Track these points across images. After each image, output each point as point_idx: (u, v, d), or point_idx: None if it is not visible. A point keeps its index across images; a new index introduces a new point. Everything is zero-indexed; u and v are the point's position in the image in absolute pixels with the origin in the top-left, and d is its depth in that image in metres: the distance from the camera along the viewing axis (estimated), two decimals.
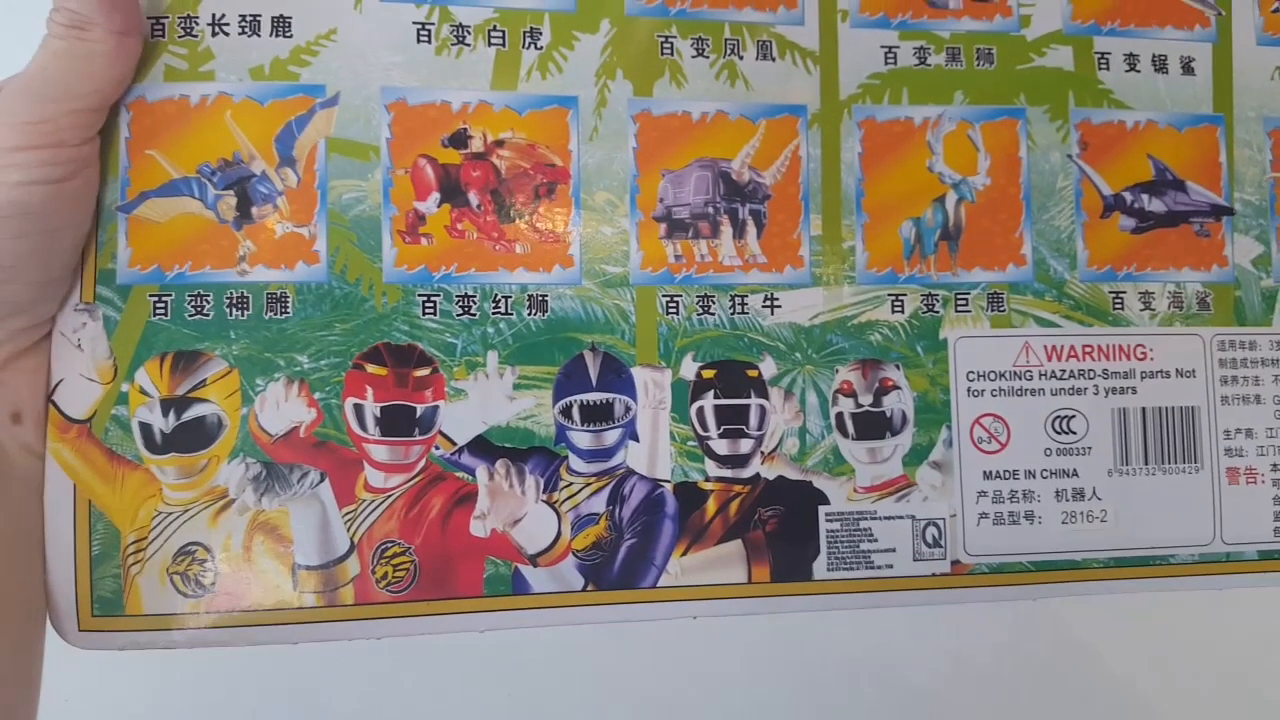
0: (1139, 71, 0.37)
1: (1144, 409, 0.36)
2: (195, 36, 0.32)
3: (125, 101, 0.32)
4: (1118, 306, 0.37)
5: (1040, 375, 0.36)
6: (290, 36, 0.33)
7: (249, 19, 0.32)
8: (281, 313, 0.32)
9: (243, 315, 0.32)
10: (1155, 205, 0.37)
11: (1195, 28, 0.38)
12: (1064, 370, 0.36)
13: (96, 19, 0.29)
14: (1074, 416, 0.36)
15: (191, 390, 0.31)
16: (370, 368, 0.32)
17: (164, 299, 0.32)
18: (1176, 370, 0.37)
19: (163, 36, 0.32)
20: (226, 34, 0.32)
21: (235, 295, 0.32)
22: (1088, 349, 0.36)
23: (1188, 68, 0.38)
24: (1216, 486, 0.36)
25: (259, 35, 0.32)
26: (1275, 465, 0.37)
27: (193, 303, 0.32)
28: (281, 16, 0.32)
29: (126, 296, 0.32)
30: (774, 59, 0.35)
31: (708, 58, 0.35)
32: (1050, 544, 0.36)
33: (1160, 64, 0.38)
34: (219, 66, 0.32)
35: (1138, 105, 0.37)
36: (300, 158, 0.32)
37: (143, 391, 0.31)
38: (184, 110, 0.32)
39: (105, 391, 0.31)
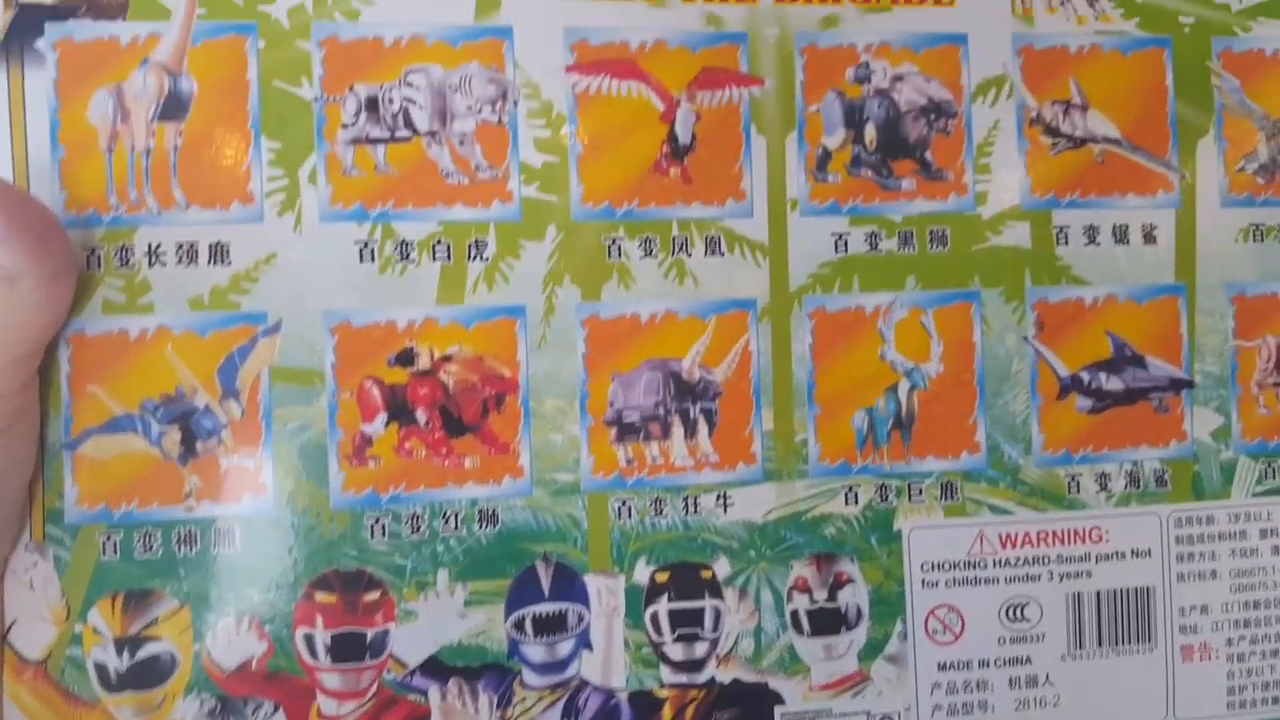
0: (1099, 244, 0.38)
1: (1098, 592, 0.38)
2: (132, 268, 0.33)
3: (64, 335, 0.33)
4: (1073, 490, 0.38)
5: (994, 564, 0.37)
6: (229, 264, 0.33)
7: (186, 247, 0.33)
8: (229, 547, 0.33)
9: (191, 552, 0.33)
10: (1113, 384, 0.38)
11: (1158, 194, 0.39)
12: (1018, 558, 0.37)
13: (26, 269, 0.30)
14: (1027, 604, 0.37)
15: (144, 629, 0.33)
16: (320, 596, 0.33)
17: (113, 538, 0.33)
18: (1132, 551, 0.38)
19: (99, 268, 0.33)
20: (164, 264, 0.33)
21: (183, 532, 0.33)
22: (1042, 535, 0.37)
23: (1149, 236, 0.38)
24: (1170, 665, 0.38)
25: (197, 264, 0.33)
26: (1230, 640, 0.38)
27: (141, 541, 0.33)
28: (219, 243, 0.33)
29: (75, 536, 0.33)
30: (723, 253, 0.36)
31: (656, 257, 0.36)
32: None
33: (1121, 234, 0.38)
34: (157, 298, 0.33)
35: (1097, 280, 0.38)
36: (243, 389, 0.33)
37: (96, 631, 0.33)
38: (124, 344, 0.33)
39: (59, 632, 0.33)
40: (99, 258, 0.33)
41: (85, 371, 0.33)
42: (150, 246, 0.33)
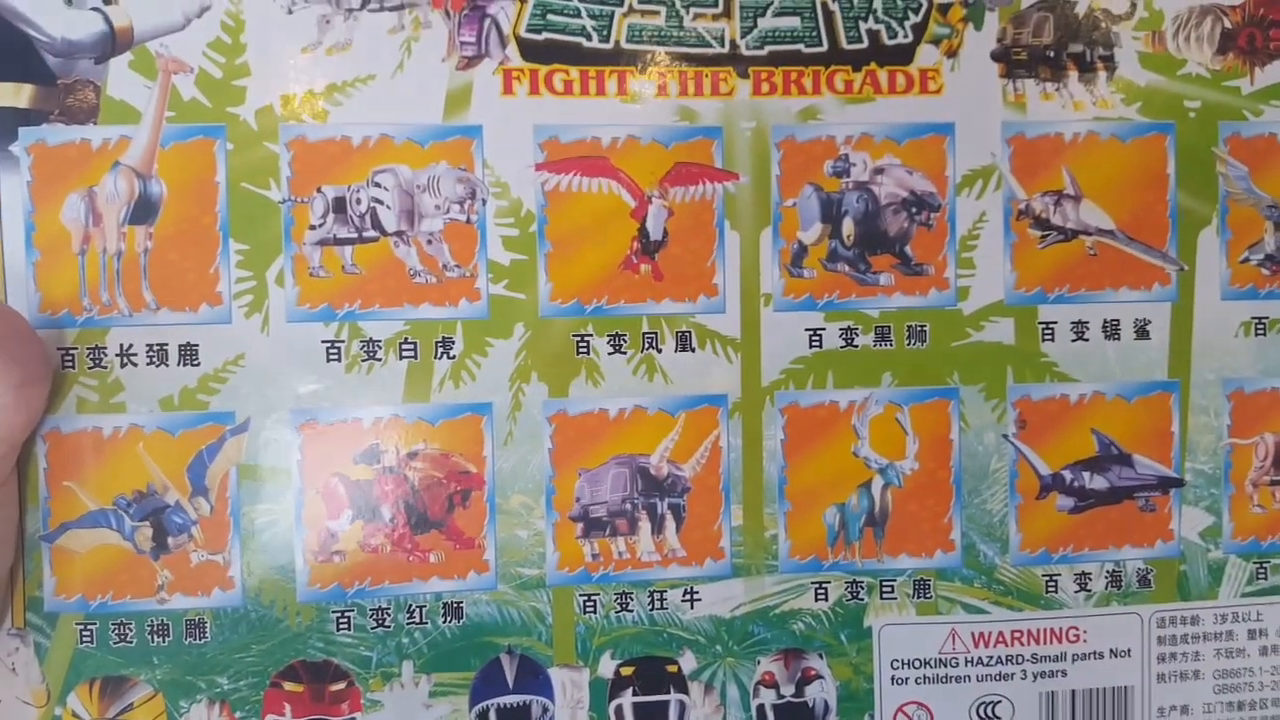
0: (1087, 340, 0.37)
1: (1074, 691, 0.37)
2: (104, 368, 0.33)
3: (41, 433, 0.33)
4: (1051, 589, 0.37)
5: (966, 662, 0.37)
6: (198, 365, 0.34)
7: (156, 348, 0.33)
8: (200, 638, 0.34)
9: (164, 641, 0.34)
10: (1097, 483, 0.37)
11: (1154, 287, 0.37)
12: (991, 656, 0.37)
13: None
14: (1000, 702, 0.37)
15: (119, 714, 0.34)
16: (287, 685, 0.34)
17: (89, 628, 0.34)
18: (1111, 651, 0.37)
19: (73, 368, 0.33)
20: (135, 364, 0.33)
21: (156, 623, 0.34)
22: (1016, 634, 0.37)
23: (1142, 331, 0.37)
24: None
25: (167, 365, 0.34)
26: None
27: (116, 631, 0.34)
28: (189, 344, 0.34)
29: (54, 624, 0.34)
30: (693, 349, 0.35)
31: (625, 353, 0.35)
32: None
33: (1112, 330, 0.37)
34: (129, 398, 0.33)
35: (1084, 377, 0.37)
36: (212, 486, 0.34)
37: (75, 715, 0.34)
38: (98, 442, 0.33)
39: (40, 714, 0.34)
40: (73, 358, 0.34)
41: (62, 468, 0.34)
42: (122, 347, 0.34)
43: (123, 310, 0.34)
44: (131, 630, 0.34)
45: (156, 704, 0.35)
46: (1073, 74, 0.37)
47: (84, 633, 0.34)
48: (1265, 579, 0.38)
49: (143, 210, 0.34)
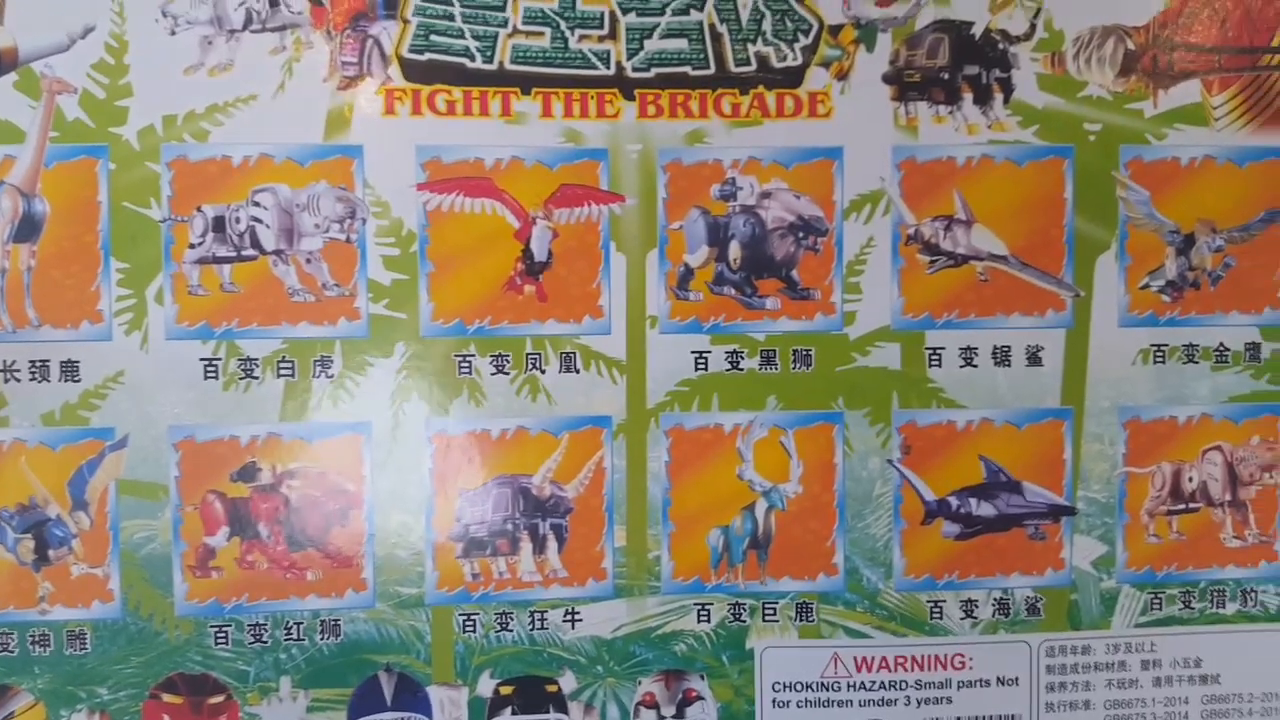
0: (976, 367, 0.37)
1: (958, 718, 0.37)
2: None
3: None
4: (936, 616, 0.37)
5: (849, 686, 0.37)
6: (79, 381, 0.34)
7: (38, 364, 0.34)
8: (80, 649, 0.35)
9: (45, 652, 0.35)
10: (984, 509, 0.37)
11: (1047, 313, 0.37)
12: (874, 681, 0.37)
13: None
14: None
15: None
16: (166, 697, 0.35)
17: None
18: (998, 679, 0.37)
19: None
20: (18, 380, 0.34)
21: (37, 634, 0.34)
22: (900, 660, 0.37)
23: (1034, 358, 0.37)
24: None
25: (49, 381, 0.34)
26: None
27: None
28: (70, 361, 0.34)
29: None
30: (578, 371, 0.36)
31: (508, 374, 0.35)
32: None
33: (1002, 356, 0.37)
34: (12, 413, 0.34)
35: (972, 403, 0.37)
36: (92, 500, 0.34)
37: None
38: None
39: None
40: None
41: None
42: (5, 363, 0.35)
43: (6, 327, 0.34)
44: (14, 640, 0.35)
45: (38, 712, 0.35)
46: (967, 96, 0.37)
47: None
48: (1160, 609, 0.38)
49: (26, 229, 0.34)
